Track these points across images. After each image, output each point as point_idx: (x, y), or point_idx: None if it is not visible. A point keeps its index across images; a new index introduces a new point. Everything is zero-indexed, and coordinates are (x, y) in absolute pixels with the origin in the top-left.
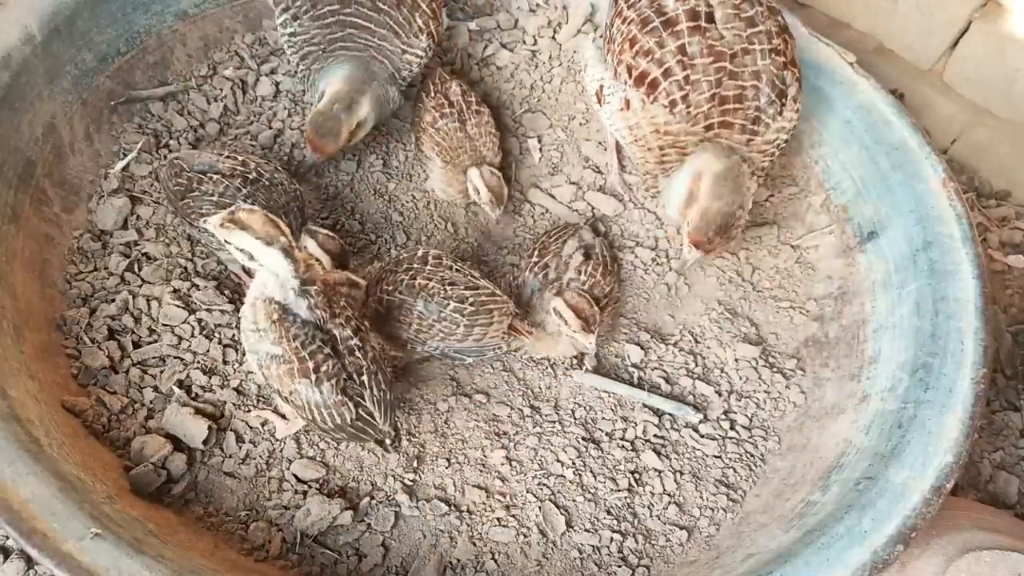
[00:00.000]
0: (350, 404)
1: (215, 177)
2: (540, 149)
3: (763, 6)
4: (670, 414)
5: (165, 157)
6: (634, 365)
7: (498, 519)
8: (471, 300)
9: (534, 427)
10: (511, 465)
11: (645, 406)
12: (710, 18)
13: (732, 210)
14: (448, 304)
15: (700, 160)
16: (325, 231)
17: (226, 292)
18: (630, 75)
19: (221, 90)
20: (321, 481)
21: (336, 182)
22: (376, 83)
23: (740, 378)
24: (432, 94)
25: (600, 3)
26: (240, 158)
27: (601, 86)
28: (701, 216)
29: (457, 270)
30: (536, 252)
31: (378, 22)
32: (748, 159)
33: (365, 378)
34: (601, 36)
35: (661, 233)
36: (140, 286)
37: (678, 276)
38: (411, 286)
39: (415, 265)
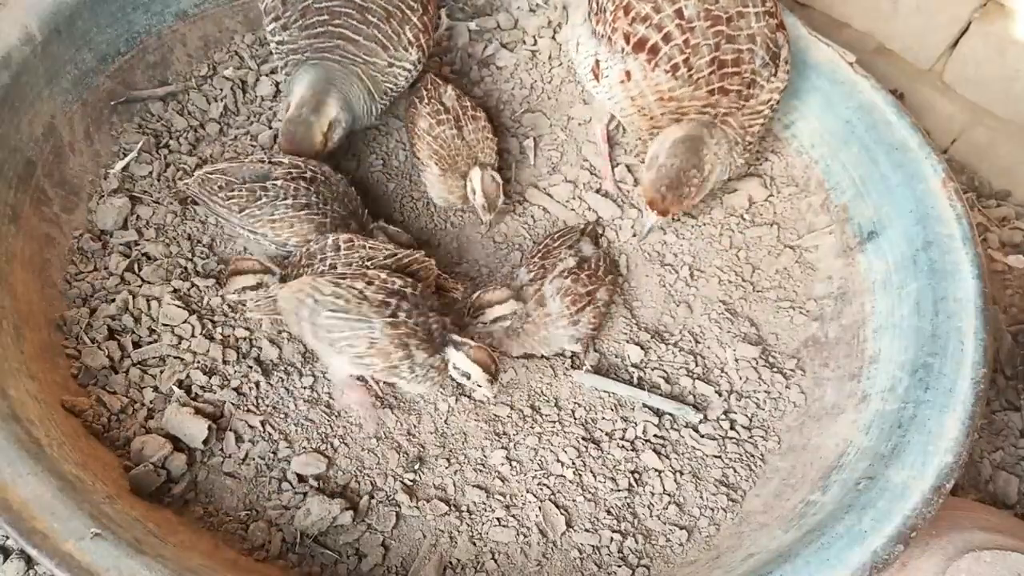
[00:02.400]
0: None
1: (278, 183)
2: (538, 149)
3: None
4: (670, 414)
5: (165, 159)
6: (634, 365)
7: (498, 519)
8: (393, 267)
9: (534, 427)
10: (511, 465)
11: (645, 406)
12: None
13: (686, 167)
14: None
15: (668, 129)
16: (394, 227)
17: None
18: (627, 42)
19: (221, 90)
20: (321, 481)
21: None
22: (344, 83)
23: (740, 378)
24: (426, 100)
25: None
26: (285, 160)
27: (596, 61)
28: (656, 172)
29: (370, 247)
30: (539, 254)
31: (366, 35)
32: (732, 126)
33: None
34: (590, 12)
35: (659, 236)
36: (140, 286)
37: (639, 243)
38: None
39: (328, 253)
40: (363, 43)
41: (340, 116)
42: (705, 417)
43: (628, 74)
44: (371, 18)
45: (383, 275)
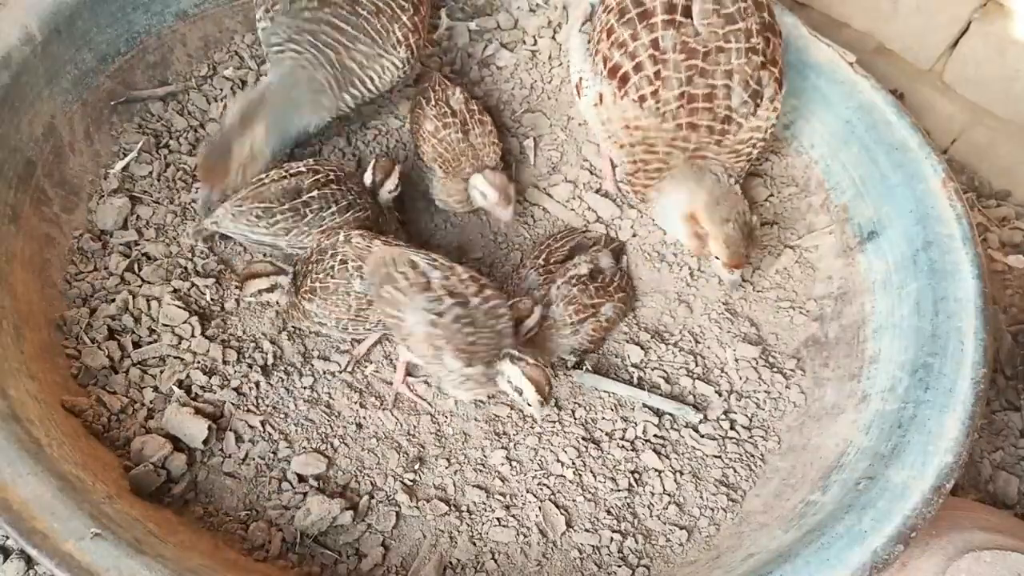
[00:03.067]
0: None
1: (314, 193)
2: (538, 149)
3: (746, 1)
4: (670, 414)
5: (165, 159)
6: (634, 365)
7: (498, 519)
8: None
9: (534, 427)
10: (511, 465)
11: (645, 406)
12: (687, 12)
13: (745, 219)
14: None
15: (681, 202)
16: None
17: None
18: (605, 66)
19: (221, 90)
20: (321, 481)
21: None
22: (297, 86)
23: (740, 378)
24: (433, 102)
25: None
26: (301, 167)
27: (581, 79)
28: (726, 245)
29: (383, 242)
30: (542, 255)
31: (355, 25)
32: (720, 163)
33: None
34: (585, 24)
35: (659, 236)
36: (140, 286)
37: (730, 296)
38: (343, 269)
39: (340, 249)
40: (349, 31)
41: (263, 149)
42: (705, 417)
43: (600, 97)
44: (361, 11)
45: (465, 275)
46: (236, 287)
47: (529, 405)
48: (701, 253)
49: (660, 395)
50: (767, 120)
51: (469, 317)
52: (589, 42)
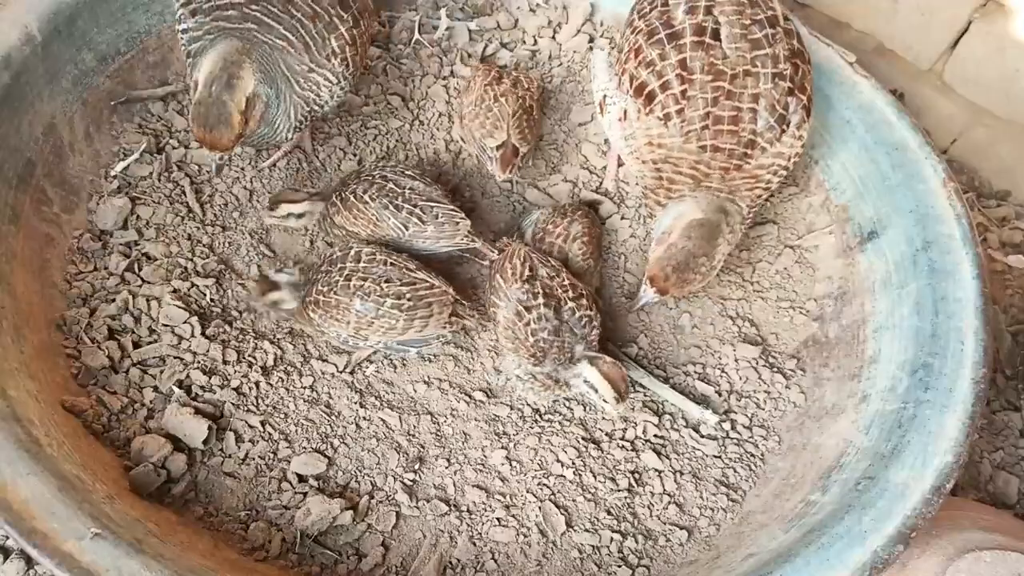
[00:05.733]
0: None
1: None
2: (538, 149)
3: (776, 29)
4: (679, 411)
5: (166, 159)
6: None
7: (498, 519)
8: (408, 295)
9: (534, 427)
10: (511, 465)
11: (645, 406)
12: (716, 35)
13: (697, 254)
14: (385, 301)
15: (686, 205)
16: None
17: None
18: (631, 84)
19: None
20: (321, 481)
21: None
22: (262, 56)
23: (740, 378)
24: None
25: (600, 3)
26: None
27: (604, 96)
28: (666, 250)
29: (392, 264)
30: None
31: (288, 25)
32: (736, 195)
33: None
34: (614, 47)
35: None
36: (140, 286)
37: (629, 310)
38: (346, 286)
39: (348, 264)
40: (281, 31)
41: (259, 89)
42: (725, 415)
43: (625, 113)
44: (295, 11)
45: (567, 281)
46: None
47: (606, 402)
48: (649, 259)
49: (678, 393)
50: (792, 148)
51: (555, 321)
52: (615, 62)
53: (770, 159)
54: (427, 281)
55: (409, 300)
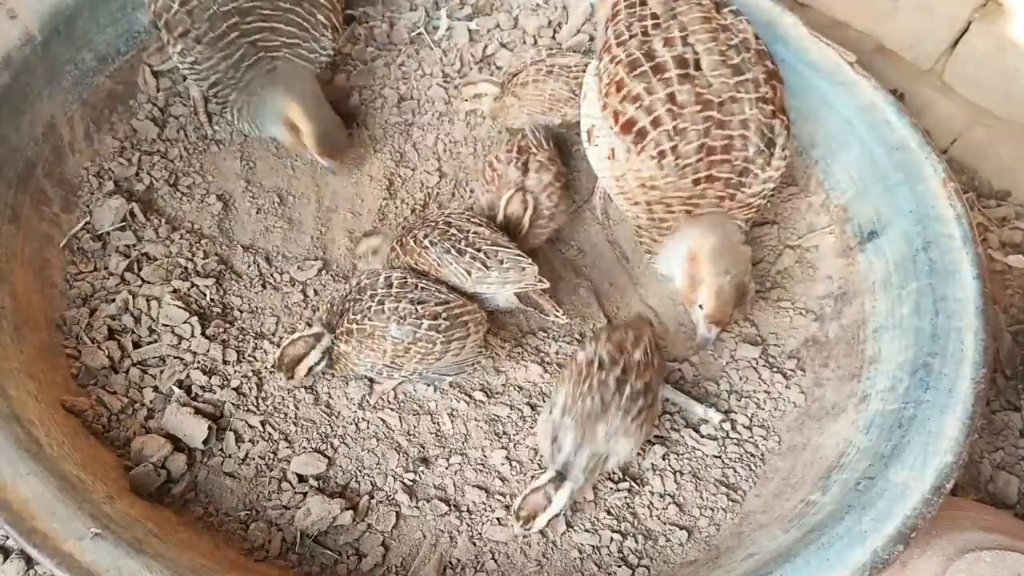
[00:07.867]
0: None
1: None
2: None
3: (750, 51)
4: (669, 413)
5: (166, 159)
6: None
7: (498, 519)
8: (444, 315)
9: (534, 427)
10: (511, 465)
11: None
12: (697, 65)
13: (742, 280)
14: (422, 323)
15: (690, 239)
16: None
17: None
18: (616, 121)
19: None
20: (321, 481)
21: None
22: (291, 77)
23: (740, 378)
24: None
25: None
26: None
27: (593, 126)
28: (716, 296)
29: (423, 288)
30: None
31: (286, 20)
32: (735, 218)
33: None
34: (598, 59)
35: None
36: (140, 286)
37: (694, 354)
38: (379, 311)
39: (379, 290)
40: (284, 28)
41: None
42: (728, 417)
43: (613, 152)
44: (281, 4)
45: (643, 359)
46: (283, 375)
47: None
48: (688, 299)
49: (686, 394)
50: (777, 170)
51: (606, 395)
52: (598, 92)
53: (760, 186)
54: (460, 301)
55: (446, 319)
